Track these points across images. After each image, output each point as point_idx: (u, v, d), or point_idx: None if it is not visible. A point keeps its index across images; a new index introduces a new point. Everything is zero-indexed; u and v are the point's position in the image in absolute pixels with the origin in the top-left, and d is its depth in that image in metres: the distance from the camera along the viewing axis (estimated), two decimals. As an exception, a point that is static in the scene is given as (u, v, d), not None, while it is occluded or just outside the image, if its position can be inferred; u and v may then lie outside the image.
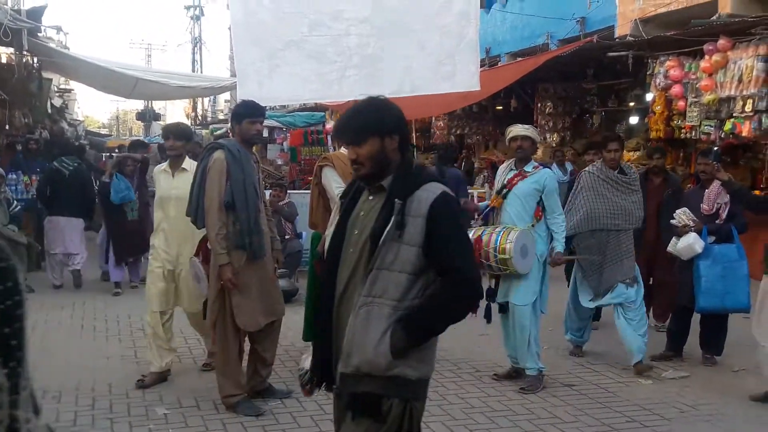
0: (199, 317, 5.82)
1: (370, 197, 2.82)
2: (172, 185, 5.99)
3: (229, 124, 10.11)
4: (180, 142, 6.02)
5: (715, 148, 8.41)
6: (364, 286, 2.66)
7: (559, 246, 5.85)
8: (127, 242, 9.32)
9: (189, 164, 6.01)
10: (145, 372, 5.96)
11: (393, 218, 2.63)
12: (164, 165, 6.22)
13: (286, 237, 9.20)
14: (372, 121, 2.75)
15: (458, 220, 2.78)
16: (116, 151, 22.93)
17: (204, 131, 25.73)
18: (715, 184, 6.36)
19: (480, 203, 6.65)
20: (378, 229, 2.66)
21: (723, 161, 6.74)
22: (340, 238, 2.82)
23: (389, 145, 2.75)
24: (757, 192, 10.42)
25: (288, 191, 10.00)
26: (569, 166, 12.95)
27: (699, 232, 6.16)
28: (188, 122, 43.42)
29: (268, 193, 9.08)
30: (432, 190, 2.70)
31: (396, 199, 2.66)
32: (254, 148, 6.03)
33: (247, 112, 5.33)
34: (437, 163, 11.27)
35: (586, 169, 6.62)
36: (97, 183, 10.47)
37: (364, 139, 2.73)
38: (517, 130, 5.93)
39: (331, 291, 2.79)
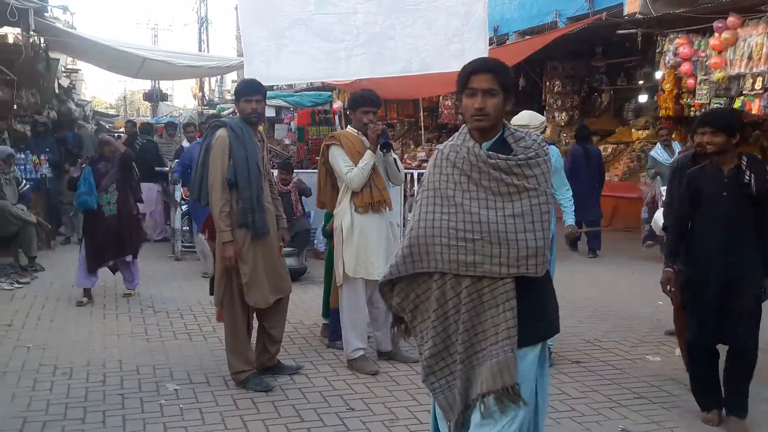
0: None
1: None
2: None
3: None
4: None
5: None
6: None
7: (569, 220, 5.93)
8: (101, 245, 7.83)
9: None
10: (156, 349, 6.03)
11: None
12: None
13: (295, 216, 9.21)
14: None
15: None
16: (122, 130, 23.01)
17: (211, 111, 25.71)
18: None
19: None
20: None
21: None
22: None
23: None
24: None
25: (294, 170, 9.99)
26: (677, 146, 9.78)
27: None
28: (195, 102, 43.51)
29: (275, 172, 9.11)
30: None
31: None
32: (261, 128, 6.01)
33: (243, 91, 5.31)
34: (578, 142, 11.36)
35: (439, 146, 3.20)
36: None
37: None
38: (529, 130, 5.75)
39: None
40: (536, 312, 3.03)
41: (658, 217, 6.56)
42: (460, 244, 2.94)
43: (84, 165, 7.93)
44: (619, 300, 7.88)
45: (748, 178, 4.43)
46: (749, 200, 4.45)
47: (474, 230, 2.92)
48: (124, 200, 7.95)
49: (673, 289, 4.75)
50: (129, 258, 8.00)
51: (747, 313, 4.52)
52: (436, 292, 3.04)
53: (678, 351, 6.02)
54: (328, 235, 5.90)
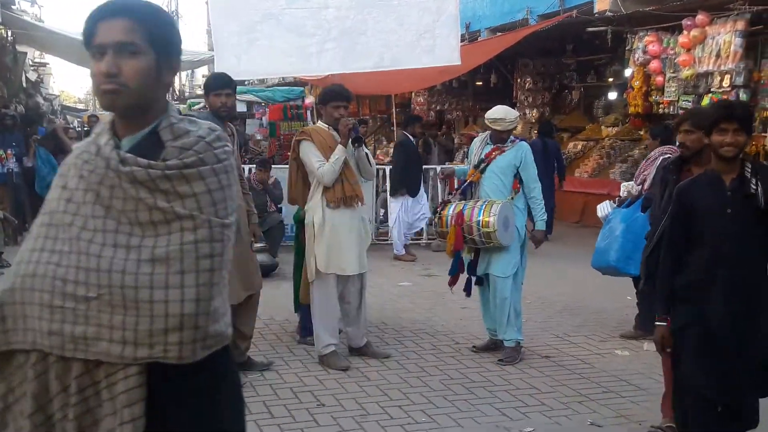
0: None
1: None
2: None
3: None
4: None
5: None
6: None
7: (540, 224, 5.80)
8: None
9: None
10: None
11: None
12: None
13: (267, 211, 9.15)
14: None
15: None
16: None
17: (181, 106, 25.52)
18: (650, 157, 6.34)
19: (457, 168, 6.60)
20: None
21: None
22: None
23: None
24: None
25: (271, 167, 9.89)
26: None
27: (631, 202, 6.17)
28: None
29: (249, 168, 9.05)
30: None
31: None
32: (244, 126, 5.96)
33: (212, 85, 5.28)
34: (540, 135, 11.77)
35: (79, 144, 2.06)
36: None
37: None
38: (504, 125, 5.72)
39: None
40: (203, 424, 1.88)
41: (602, 207, 6.59)
42: (67, 305, 1.76)
43: (34, 147, 7.52)
44: (588, 296, 7.95)
45: (754, 188, 3.33)
46: (757, 216, 3.36)
47: (89, 282, 1.75)
48: None
49: (669, 350, 3.57)
50: None
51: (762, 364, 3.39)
52: (33, 384, 1.82)
53: (646, 345, 6.09)
54: (300, 220, 5.89)
